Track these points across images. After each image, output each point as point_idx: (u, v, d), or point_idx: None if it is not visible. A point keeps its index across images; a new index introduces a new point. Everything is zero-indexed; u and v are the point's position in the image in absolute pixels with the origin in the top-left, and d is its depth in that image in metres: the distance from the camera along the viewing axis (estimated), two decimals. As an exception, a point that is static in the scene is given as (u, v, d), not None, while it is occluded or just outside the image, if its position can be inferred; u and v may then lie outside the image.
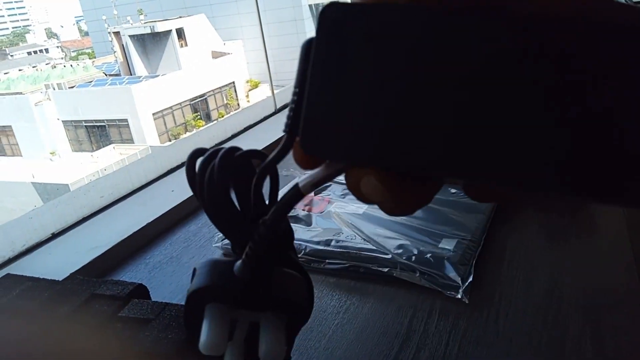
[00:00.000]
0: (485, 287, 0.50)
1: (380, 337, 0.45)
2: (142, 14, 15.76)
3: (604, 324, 0.43)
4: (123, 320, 0.40)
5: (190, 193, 0.77)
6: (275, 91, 1.24)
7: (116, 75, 14.86)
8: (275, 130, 1.04)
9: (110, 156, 11.24)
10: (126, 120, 12.24)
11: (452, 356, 0.42)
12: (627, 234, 0.55)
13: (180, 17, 14.64)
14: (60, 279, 0.56)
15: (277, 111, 1.21)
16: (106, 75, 15.48)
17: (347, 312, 0.49)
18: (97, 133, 12.82)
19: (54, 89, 14.00)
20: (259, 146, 0.94)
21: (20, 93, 13.82)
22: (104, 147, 11.99)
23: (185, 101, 13.36)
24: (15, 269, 0.61)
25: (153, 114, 12.43)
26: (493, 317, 0.46)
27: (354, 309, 0.49)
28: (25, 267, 0.62)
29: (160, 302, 0.42)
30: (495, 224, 0.60)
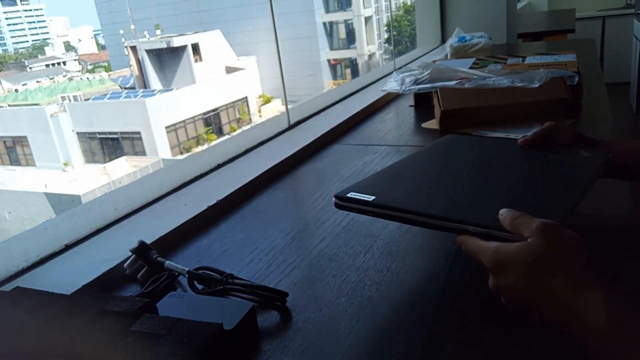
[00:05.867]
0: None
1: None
2: (158, 29, 16.04)
3: None
4: (135, 334, 0.40)
5: (202, 207, 0.77)
6: (288, 106, 1.24)
7: (131, 88, 15.08)
8: (288, 146, 1.04)
9: (123, 168, 11.34)
10: (139, 133, 12.38)
11: None
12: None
13: (196, 32, 14.87)
14: (73, 291, 0.56)
15: (291, 127, 1.21)
16: (121, 88, 15.71)
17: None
18: (110, 145, 12.97)
19: (70, 100, 14.23)
20: (273, 162, 0.95)
21: (37, 104, 14.05)
22: (116, 159, 12.10)
23: (198, 115, 13.49)
24: (28, 279, 0.61)
25: (166, 127, 12.55)
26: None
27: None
28: (39, 278, 0.62)
29: (172, 318, 0.42)
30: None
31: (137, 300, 0.44)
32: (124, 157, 12.17)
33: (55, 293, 0.48)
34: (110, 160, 12.26)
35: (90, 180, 10.59)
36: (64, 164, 12.64)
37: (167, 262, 0.58)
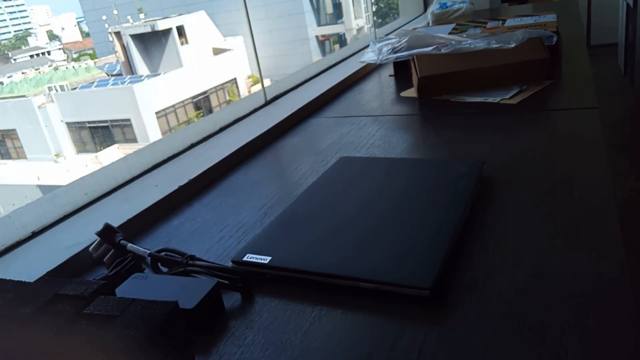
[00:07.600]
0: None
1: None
2: (142, 12, 15.75)
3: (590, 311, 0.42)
4: (88, 317, 0.39)
5: (174, 187, 0.75)
6: (267, 84, 1.22)
7: (118, 75, 14.88)
8: (264, 122, 1.02)
9: (114, 156, 11.27)
10: (129, 120, 12.26)
11: (432, 346, 0.40)
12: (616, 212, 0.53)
13: (180, 14, 14.61)
14: (37, 278, 0.55)
15: (267, 103, 1.19)
16: (108, 75, 15.50)
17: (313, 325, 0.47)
18: (100, 134, 12.86)
19: (57, 91, 14.05)
20: (248, 138, 0.93)
21: (24, 96, 13.87)
22: (107, 147, 12.01)
23: (188, 99, 13.35)
24: (-8, 269, 0.60)
25: (156, 113, 12.43)
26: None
27: (318, 323, 0.48)
28: (3, 268, 0.60)
29: (126, 298, 0.41)
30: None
31: (93, 283, 0.43)
32: (115, 145, 12.08)
33: (13, 280, 0.46)
34: (102, 149, 12.17)
35: (83, 170, 10.52)
36: (56, 155, 12.55)
37: (130, 244, 0.57)
